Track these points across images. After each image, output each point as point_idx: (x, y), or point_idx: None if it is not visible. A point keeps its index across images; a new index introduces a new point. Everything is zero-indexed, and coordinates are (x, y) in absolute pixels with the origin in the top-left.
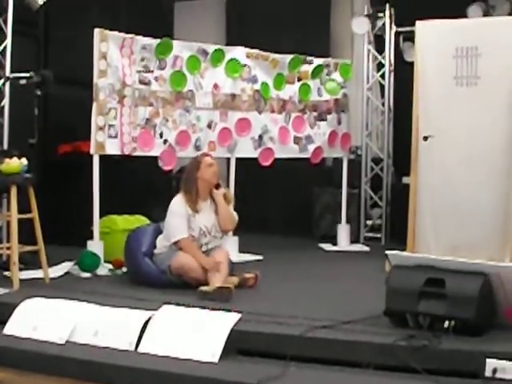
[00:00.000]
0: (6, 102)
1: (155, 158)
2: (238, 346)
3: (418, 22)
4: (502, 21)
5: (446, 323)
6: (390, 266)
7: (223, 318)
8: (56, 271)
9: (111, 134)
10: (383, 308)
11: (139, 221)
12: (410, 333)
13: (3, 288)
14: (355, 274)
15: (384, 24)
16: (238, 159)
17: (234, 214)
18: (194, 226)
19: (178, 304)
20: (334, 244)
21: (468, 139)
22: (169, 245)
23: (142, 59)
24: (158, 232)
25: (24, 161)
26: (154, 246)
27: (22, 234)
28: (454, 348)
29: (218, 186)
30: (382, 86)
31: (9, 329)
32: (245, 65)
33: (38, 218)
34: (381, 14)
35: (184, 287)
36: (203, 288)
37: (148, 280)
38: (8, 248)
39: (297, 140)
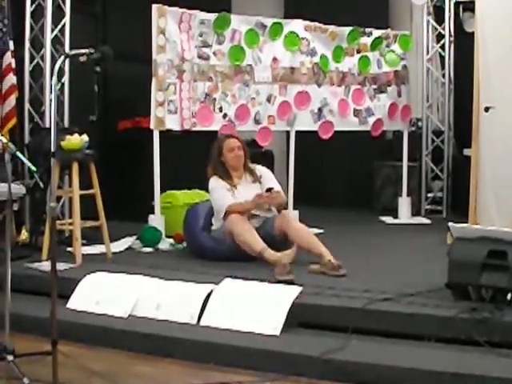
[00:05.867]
0: (65, 79)
1: (215, 133)
2: (299, 319)
3: None
4: None
5: (509, 295)
6: (452, 238)
7: (284, 291)
8: (118, 246)
9: (171, 109)
10: (445, 281)
11: (199, 195)
12: (472, 305)
13: (66, 263)
14: (416, 247)
15: None
16: (297, 132)
17: (282, 194)
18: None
19: (239, 277)
20: (395, 217)
21: None
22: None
23: (201, 34)
24: None
25: (85, 137)
26: (211, 223)
27: (84, 209)
28: None
29: (269, 190)
30: (442, 57)
31: (72, 303)
32: (303, 38)
33: (99, 194)
34: None
35: (245, 260)
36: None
37: (206, 253)
38: (70, 224)
39: (356, 113)
